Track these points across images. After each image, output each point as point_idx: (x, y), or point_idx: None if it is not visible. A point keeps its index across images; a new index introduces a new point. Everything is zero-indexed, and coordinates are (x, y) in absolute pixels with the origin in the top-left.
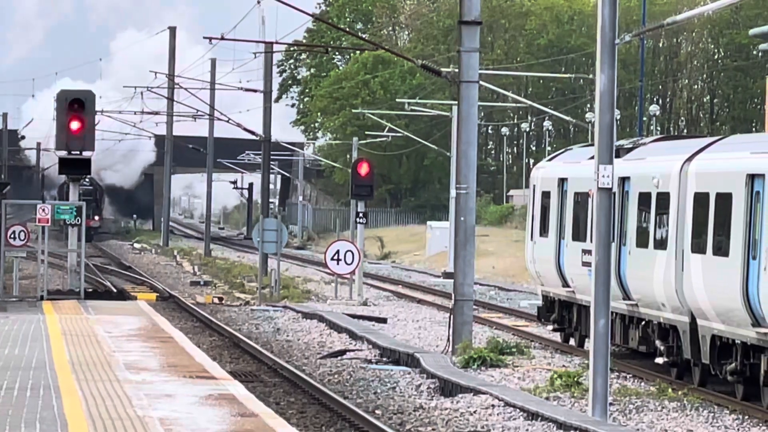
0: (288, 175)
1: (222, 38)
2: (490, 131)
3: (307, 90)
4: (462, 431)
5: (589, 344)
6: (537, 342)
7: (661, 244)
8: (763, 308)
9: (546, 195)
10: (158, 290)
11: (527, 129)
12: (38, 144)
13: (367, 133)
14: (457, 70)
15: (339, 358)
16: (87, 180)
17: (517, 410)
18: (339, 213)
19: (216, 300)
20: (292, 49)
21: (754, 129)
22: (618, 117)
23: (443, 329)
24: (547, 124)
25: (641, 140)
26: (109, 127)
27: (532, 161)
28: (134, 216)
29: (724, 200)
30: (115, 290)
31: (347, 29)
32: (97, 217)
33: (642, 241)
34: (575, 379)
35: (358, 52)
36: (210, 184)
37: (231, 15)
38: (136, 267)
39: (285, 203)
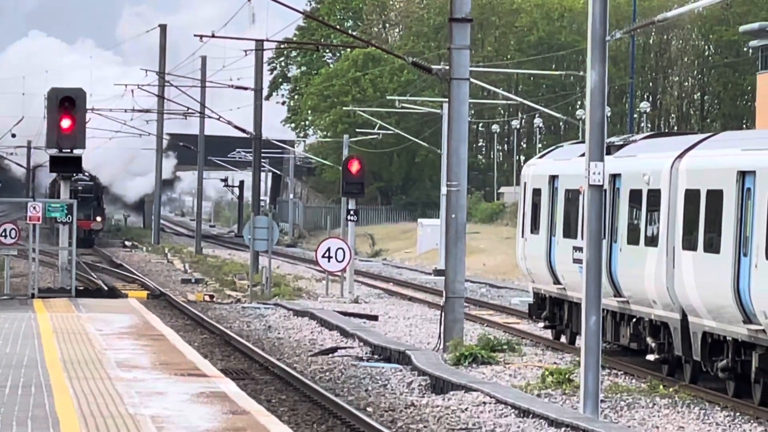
0: (279, 172)
1: (213, 36)
2: (480, 128)
3: (297, 88)
4: (453, 429)
5: (580, 341)
6: (528, 339)
7: (652, 241)
8: (755, 305)
9: (537, 192)
10: (149, 288)
11: (518, 126)
12: (29, 142)
13: (357, 130)
14: (447, 68)
15: (330, 355)
16: (86, 174)
17: (509, 407)
18: (330, 210)
19: (207, 298)
20: (282, 46)
21: (744, 126)
22: (608, 114)
23: (434, 326)
24: (537, 121)
25: (632, 137)
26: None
27: (522, 158)
28: (125, 214)
29: (715, 197)
30: (106, 288)
31: (338, 27)
32: (98, 218)
33: (633, 238)
34: (566, 376)
35: (348, 49)
36: (201, 181)
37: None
38: (127, 265)
39: (276, 201)
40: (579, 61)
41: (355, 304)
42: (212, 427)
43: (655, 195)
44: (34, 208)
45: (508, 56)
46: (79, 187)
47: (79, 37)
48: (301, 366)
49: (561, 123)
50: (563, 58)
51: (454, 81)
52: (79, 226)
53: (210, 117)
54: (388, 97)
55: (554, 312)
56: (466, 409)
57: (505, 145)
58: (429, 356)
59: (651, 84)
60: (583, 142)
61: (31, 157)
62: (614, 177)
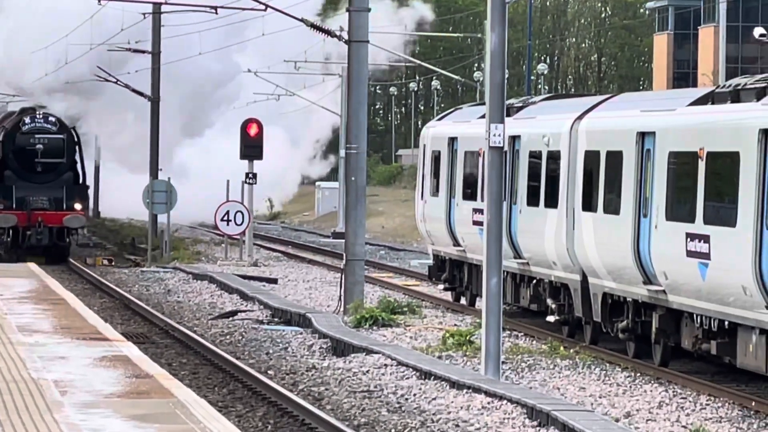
0: None
1: None
2: (378, 91)
3: None
4: (355, 391)
5: (480, 303)
6: (428, 301)
7: (551, 202)
8: (654, 266)
9: (436, 154)
10: None
11: (415, 89)
12: None
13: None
14: (346, 30)
15: (230, 318)
16: (53, 120)
17: (410, 369)
18: None
19: (106, 262)
20: (180, 9)
21: (641, 87)
22: (506, 76)
23: (334, 289)
24: (435, 83)
25: (531, 99)
26: None
27: (420, 121)
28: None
29: (615, 158)
30: (3, 252)
31: None
32: (78, 206)
33: (533, 200)
34: (467, 337)
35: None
36: (98, 145)
37: None
38: None
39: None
40: (476, 23)
41: (254, 267)
42: (116, 391)
43: (554, 157)
44: None
45: None
46: (39, 145)
47: None
48: (201, 329)
49: (459, 85)
50: (461, 21)
51: (354, 44)
52: (42, 222)
53: (108, 81)
54: (285, 60)
55: (454, 274)
56: (367, 372)
57: (403, 108)
58: (330, 319)
59: (548, 46)
60: (482, 104)
61: None
62: (514, 139)
